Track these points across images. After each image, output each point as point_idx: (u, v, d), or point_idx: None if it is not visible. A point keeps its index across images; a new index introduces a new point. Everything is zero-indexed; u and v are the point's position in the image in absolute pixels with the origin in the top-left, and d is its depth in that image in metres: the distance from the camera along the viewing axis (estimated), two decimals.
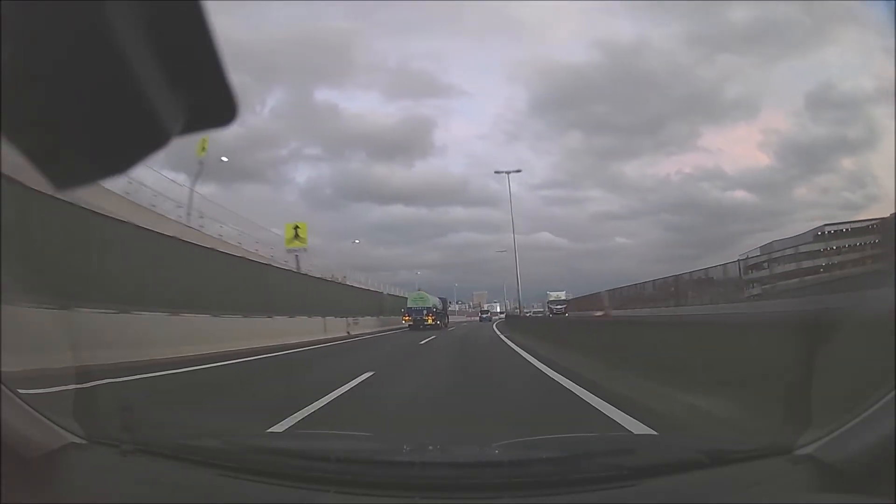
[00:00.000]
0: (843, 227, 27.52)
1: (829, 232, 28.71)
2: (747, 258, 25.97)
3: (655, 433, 2.96)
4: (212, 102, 0.66)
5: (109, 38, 0.54)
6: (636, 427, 3.19)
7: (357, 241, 45.54)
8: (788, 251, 24.81)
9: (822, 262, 22.57)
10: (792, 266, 22.64)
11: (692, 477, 1.14)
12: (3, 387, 1.18)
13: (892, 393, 1.03)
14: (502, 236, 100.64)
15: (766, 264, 24.44)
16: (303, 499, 1.12)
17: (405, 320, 28.83)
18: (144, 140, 0.64)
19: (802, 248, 24.73)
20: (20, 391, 1.25)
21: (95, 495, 1.20)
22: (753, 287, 22.33)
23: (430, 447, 1.70)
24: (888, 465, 0.96)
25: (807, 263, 22.52)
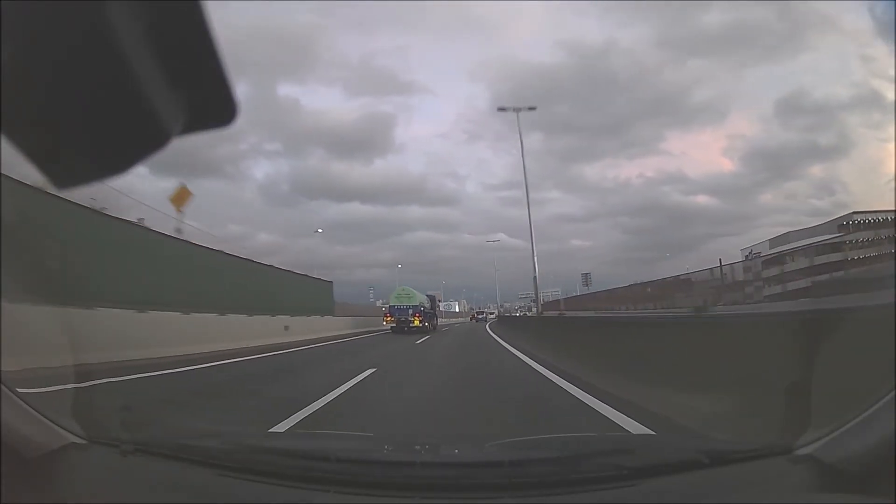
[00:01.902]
0: (873, 218, 24.97)
1: (857, 222, 25.92)
2: (751, 252, 24.76)
3: (655, 433, 2.96)
4: (212, 102, 0.66)
5: (109, 38, 0.54)
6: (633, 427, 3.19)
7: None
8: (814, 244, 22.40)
9: (854, 254, 20.34)
10: (818, 260, 20.48)
11: (692, 477, 1.14)
12: (3, 387, 1.18)
13: (892, 393, 1.03)
14: (458, 236, 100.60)
15: (787, 258, 22.41)
16: (303, 499, 1.12)
17: (387, 321, 24.66)
18: (144, 140, 0.64)
19: (817, 241, 22.59)
20: (20, 390, 1.25)
21: (95, 495, 1.20)
22: (770, 286, 20.72)
23: (430, 447, 1.70)
24: (888, 465, 0.97)
25: (835, 256, 20.33)
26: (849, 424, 1.10)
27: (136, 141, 0.64)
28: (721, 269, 22.63)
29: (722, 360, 3.28)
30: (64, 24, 0.54)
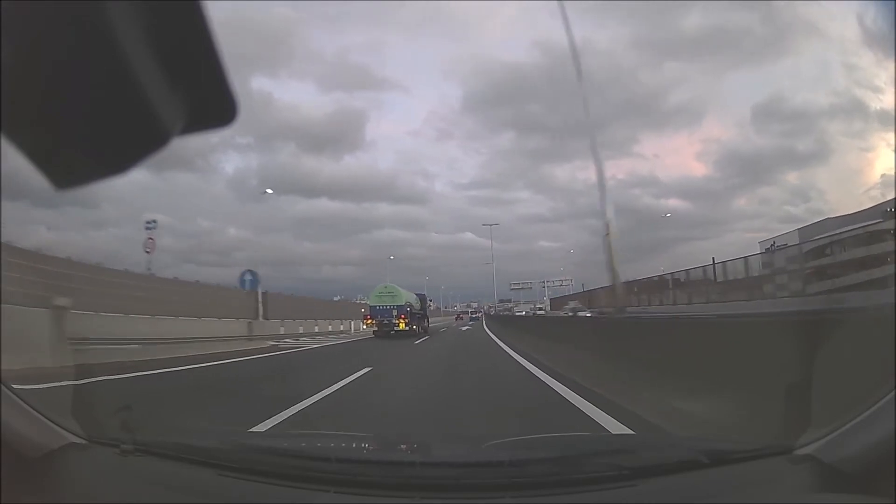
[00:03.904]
0: None
1: None
2: (773, 244, 23.23)
3: (655, 433, 2.96)
4: (212, 102, 0.66)
5: (109, 38, 0.54)
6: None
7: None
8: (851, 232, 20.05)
9: None
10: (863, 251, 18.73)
11: (692, 477, 1.14)
12: (2, 387, 1.18)
13: (892, 393, 1.03)
14: (426, 235, 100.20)
15: (829, 249, 20.46)
16: (303, 499, 1.12)
17: (367, 324, 20.95)
18: (144, 140, 0.64)
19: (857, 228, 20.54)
20: (20, 388, 1.25)
21: (95, 495, 1.20)
22: (817, 280, 19.02)
23: (430, 447, 1.70)
24: (888, 465, 0.96)
25: (887, 246, 18.48)
26: (849, 424, 1.10)
27: (136, 141, 0.64)
28: (714, 268, 22.11)
29: (722, 359, 3.28)
30: (64, 24, 0.54)
